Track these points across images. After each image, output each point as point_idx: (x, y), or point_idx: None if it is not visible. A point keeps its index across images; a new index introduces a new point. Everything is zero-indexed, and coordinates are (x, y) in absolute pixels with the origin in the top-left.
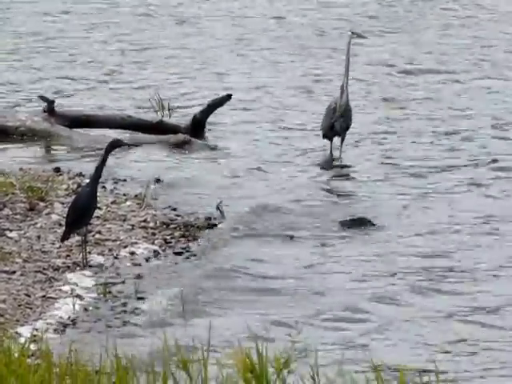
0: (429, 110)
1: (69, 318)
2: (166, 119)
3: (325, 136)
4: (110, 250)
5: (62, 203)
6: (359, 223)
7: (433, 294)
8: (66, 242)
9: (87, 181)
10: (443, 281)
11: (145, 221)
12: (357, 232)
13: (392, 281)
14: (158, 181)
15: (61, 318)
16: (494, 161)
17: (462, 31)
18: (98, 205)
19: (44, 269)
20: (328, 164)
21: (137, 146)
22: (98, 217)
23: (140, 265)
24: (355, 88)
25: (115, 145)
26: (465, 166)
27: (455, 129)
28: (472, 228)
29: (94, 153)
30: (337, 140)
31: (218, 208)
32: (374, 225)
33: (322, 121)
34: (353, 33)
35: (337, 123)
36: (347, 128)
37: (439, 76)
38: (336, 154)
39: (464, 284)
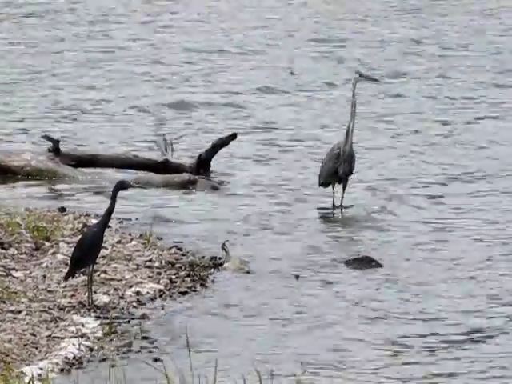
0: (429, 153)
1: (74, 357)
2: (170, 158)
3: (323, 183)
4: (116, 289)
5: (68, 243)
6: (364, 262)
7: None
8: (71, 282)
9: (93, 220)
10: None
11: (150, 260)
12: (361, 271)
13: (398, 322)
14: (163, 220)
15: (66, 357)
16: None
17: None
18: (104, 244)
19: (49, 308)
20: (332, 206)
21: (143, 188)
22: (103, 256)
23: (145, 304)
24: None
25: (122, 186)
26: (474, 207)
27: (460, 170)
28: (484, 263)
29: (99, 192)
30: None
31: (223, 247)
32: (379, 264)
33: (322, 166)
34: (360, 75)
35: (340, 168)
36: (350, 173)
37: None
38: (338, 196)
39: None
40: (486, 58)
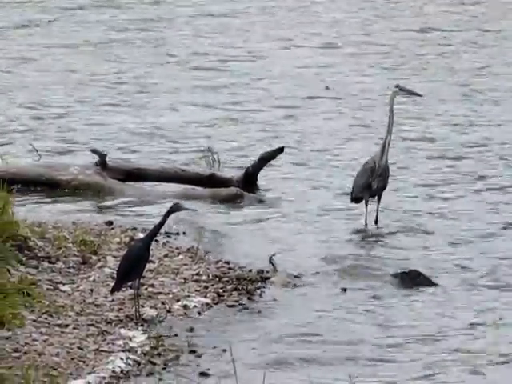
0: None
1: (121, 371)
2: (217, 172)
3: (355, 198)
4: (163, 303)
5: (115, 257)
6: (411, 276)
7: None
8: (118, 295)
9: (140, 234)
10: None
11: (197, 274)
12: (409, 285)
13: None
14: (210, 234)
15: (114, 371)
16: None
17: None
18: (151, 258)
19: (97, 322)
20: (364, 224)
21: (195, 210)
22: (150, 270)
23: (193, 318)
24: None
25: (175, 209)
26: None
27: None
28: None
29: (146, 206)
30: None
31: (270, 261)
32: (425, 277)
33: (354, 181)
34: (400, 89)
35: (374, 183)
36: (384, 187)
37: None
38: (370, 213)
39: None
40: None
